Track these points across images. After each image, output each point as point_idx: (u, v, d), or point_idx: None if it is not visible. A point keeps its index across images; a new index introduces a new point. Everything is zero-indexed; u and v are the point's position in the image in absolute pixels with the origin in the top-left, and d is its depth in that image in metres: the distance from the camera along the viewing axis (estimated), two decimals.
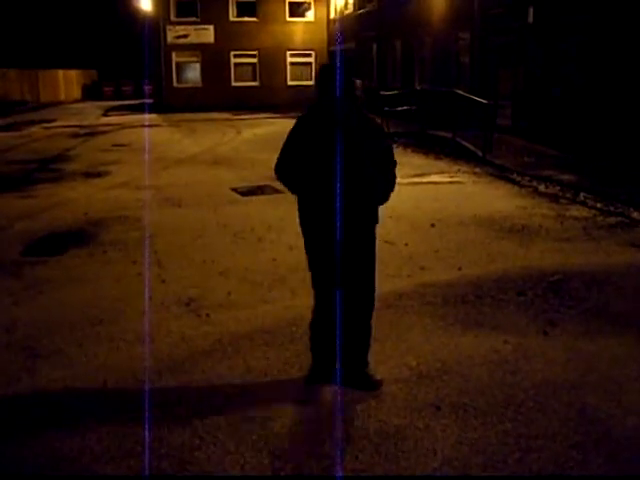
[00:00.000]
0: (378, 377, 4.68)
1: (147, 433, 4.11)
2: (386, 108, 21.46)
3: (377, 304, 6.10)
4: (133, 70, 51.70)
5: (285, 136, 4.67)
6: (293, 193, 4.75)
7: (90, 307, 6.30)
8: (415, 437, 4.04)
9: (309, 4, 36.43)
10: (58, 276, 7.27)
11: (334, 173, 4.39)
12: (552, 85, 16.94)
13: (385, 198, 4.67)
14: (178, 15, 35.26)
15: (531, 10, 17.57)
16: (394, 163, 4.70)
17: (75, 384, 4.78)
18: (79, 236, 8.98)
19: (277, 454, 3.89)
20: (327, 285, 4.57)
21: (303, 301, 6.29)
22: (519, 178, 13.22)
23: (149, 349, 5.33)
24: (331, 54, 5.76)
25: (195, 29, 35.27)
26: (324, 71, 4.61)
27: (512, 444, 3.95)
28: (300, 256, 6.79)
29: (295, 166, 4.61)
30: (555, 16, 16.65)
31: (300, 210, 4.65)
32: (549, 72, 17.08)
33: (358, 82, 4.62)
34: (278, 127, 23.52)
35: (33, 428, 4.21)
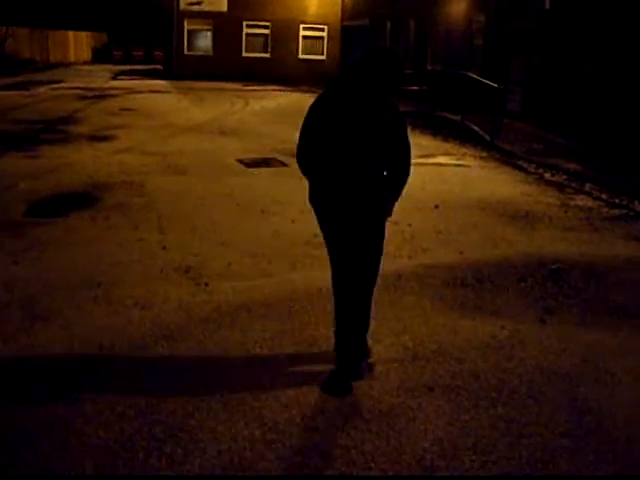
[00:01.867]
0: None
1: (140, 398, 4.14)
2: None
3: (376, 285, 6.11)
4: (144, 35, 51.39)
5: (300, 111, 4.49)
6: (312, 179, 4.37)
7: (90, 270, 6.31)
8: (407, 416, 4.06)
9: None
10: (59, 238, 7.28)
11: (355, 157, 4.19)
12: (565, 73, 16.84)
13: (398, 193, 4.48)
14: None
15: None
16: (409, 156, 4.45)
17: (71, 346, 4.80)
18: (82, 199, 8.98)
19: (269, 426, 3.92)
20: (353, 284, 4.37)
21: (302, 275, 6.30)
22: (526, 165, 13.18)
23: (146, 315, 5.34)
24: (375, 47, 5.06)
25: None
26: (381, 53, 4.19)
27: (503, 429, 3.97)
28: (302, 230, 6.81)
29: (317, 147, 4.26)
30: (572, 3, 16.51)
31: (317, 196, 4.36)
32: (563, 60, 16.97)
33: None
34: (287, 100, 23.46)
35: (28, 387, 4.24)
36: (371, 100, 4.24)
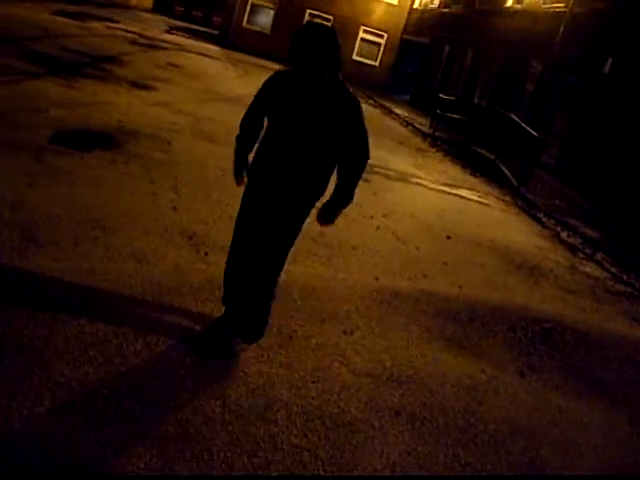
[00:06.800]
0: (242, 349, 4.57)
1: (112, 347, 4.14)
2: (438, 111, 21.35)
3: (371, 297, 6.12)
4: None
5: None
6: (239, 148, 4.74)
7: (97, 211, 6.32)
8: (367, 434, 4.05)
9: None
10: (76, 171, 7.28)
11: (291, 138, 4.24)
12: (606, 140, 16.77)
13: (346, 197, 4.36)
14: None
15: (609, 61, 17.35)
16: (365, 142, 4.30)
17: (59, 279, 4.79)
18: (107, 140, 8.98)
19: (232, 408, 3.91)
20: (246, 240, 4.42)
21: (301, 270, 6.29)
22: (545, 219, 13.15)
23: (140, 268, 5.34)
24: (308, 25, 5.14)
25: None
26: (304, 30, 4.20)
27: (458, 469, 3.96)
28: (312, 226, 6.74)
29: (256, 121, 4.55)
30: (632, 75, 16.44)
31: (252, 163, 4.57)
32: (608, 127, 16.91)
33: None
34: None
35: (6, 307, 4.24)
36: (308, 83, 4.21)
